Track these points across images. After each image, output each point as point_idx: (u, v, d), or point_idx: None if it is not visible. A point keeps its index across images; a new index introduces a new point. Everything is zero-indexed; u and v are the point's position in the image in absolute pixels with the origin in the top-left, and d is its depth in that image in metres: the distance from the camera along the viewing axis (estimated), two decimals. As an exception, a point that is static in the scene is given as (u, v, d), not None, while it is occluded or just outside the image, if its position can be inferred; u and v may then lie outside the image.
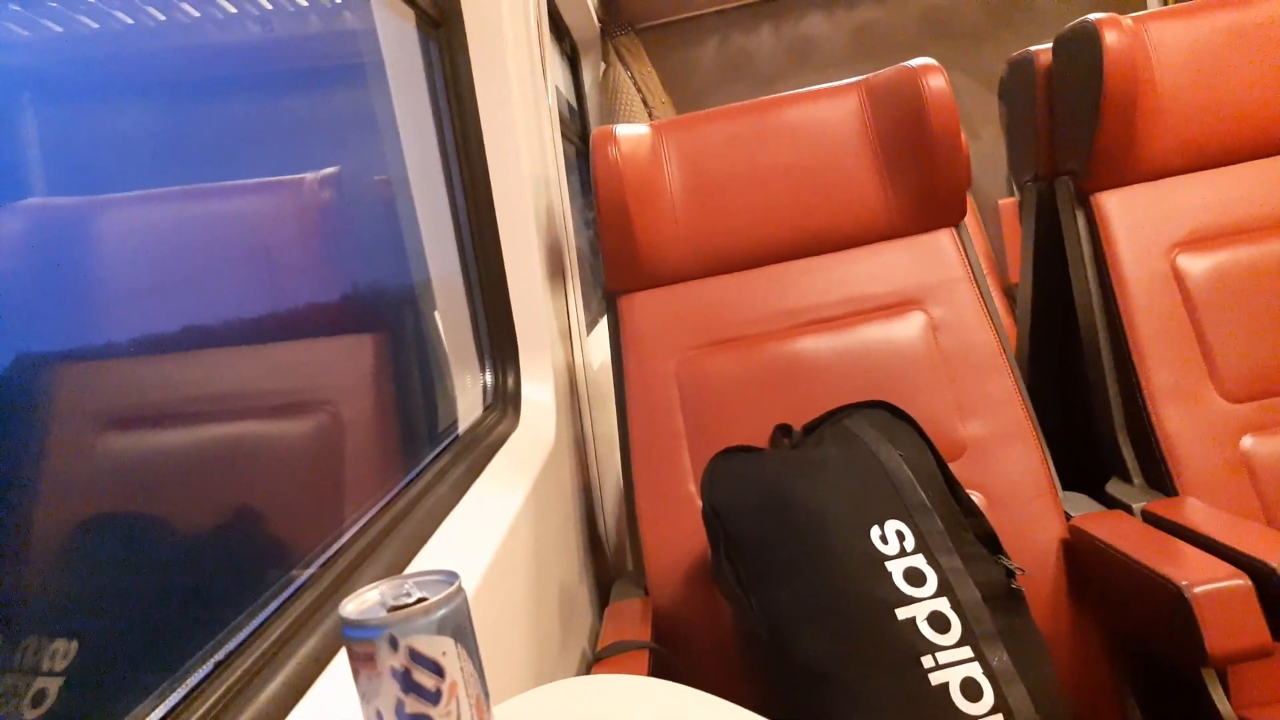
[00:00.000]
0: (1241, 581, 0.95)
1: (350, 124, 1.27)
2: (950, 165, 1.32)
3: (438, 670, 0.46)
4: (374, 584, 0.49)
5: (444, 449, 1.05)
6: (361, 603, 0.48)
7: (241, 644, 0.57)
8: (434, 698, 0.45)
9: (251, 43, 1.03)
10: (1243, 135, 1.38)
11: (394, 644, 0.45)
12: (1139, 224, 1.35)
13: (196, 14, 0.94)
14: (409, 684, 0.45)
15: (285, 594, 0.64)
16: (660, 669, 1.07)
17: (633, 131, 1.38)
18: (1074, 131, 1.40)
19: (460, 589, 0.47)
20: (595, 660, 1.04)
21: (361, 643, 0.45)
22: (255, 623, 0.59)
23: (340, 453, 0.88)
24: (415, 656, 0.45)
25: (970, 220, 3.20)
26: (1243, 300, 1.30)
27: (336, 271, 1.16)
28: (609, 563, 1.58)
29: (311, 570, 0.69)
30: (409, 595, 0.48)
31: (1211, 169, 1.39)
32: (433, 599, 0.46)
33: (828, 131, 1.40)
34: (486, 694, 0.48)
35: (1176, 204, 1.36)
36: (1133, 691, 1.22)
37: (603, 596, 1.44)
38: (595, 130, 1.34)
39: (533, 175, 1.36)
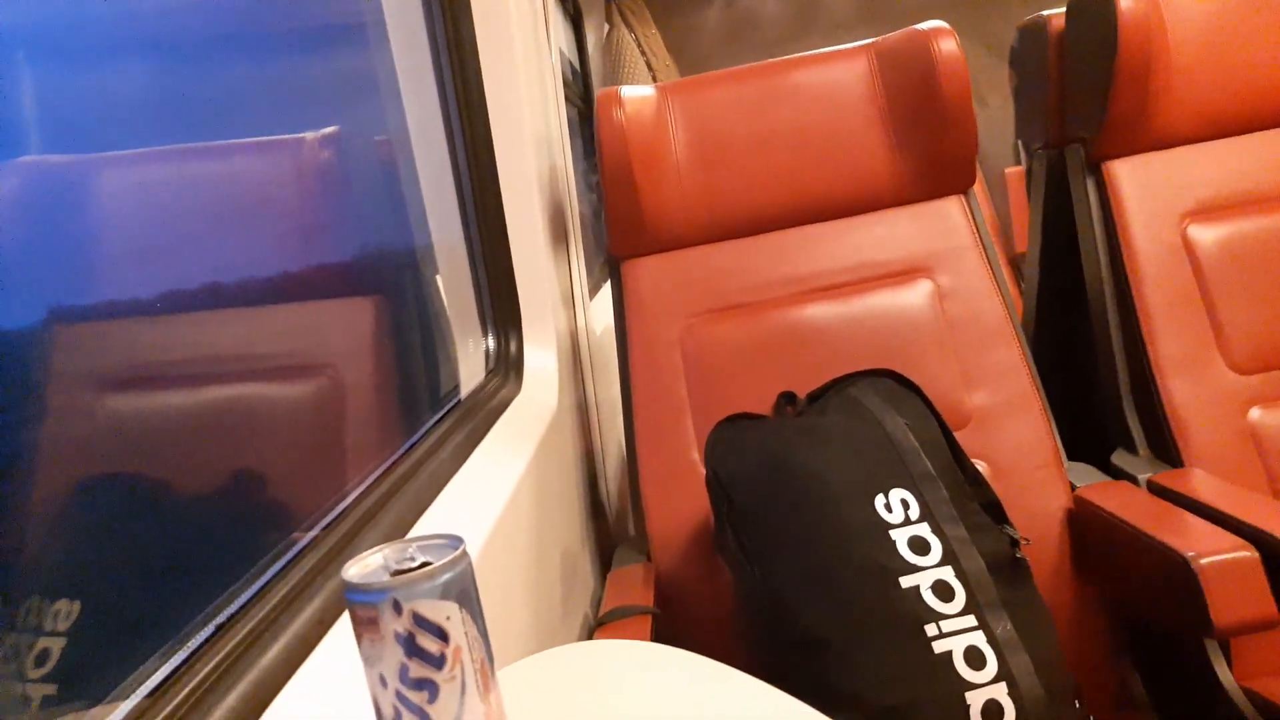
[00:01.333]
0: (1248, 553, 0.94)
1: (351, 83, 1.25)
2: (960, 131, 1.30)
3: (442, 635, 0.45)
4: (377, 548, 0.48)
5: (446, 414, 1.04)
6: (365, 566, 0.47)
7: (243, 607, 0.56)
8: (438, 662, 0.45)
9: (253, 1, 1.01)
10: (1258, 104, 1.36)
11: (398, 608, 0.44)
12: (1150, 193, 1.33)
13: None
14: (413, 648, 0.44)
15: (287, 557, 0.64)
16: (662, 634, 1.07)
17: (638, 93, 1.35)
18: (1086, 98, 1.38)
19: (465, 553, 0.47)
20: (597, 625, 1.04)
21: (365, 607, 0.45)
22: (257, 586, 0.58)
23: (342, 415, 0.87)
24: (419, 621, 0.44)
25: (977, 189, 3.17)
26: (1253, 271, 1.29)
27: (336, 233, 1.14)
28: (611, 529, 1.58)
29: (313, 534, 0.68)
30: (413, 559, 0.47)
31: (1225, 138, 1.36)
32: (437, 563, 0.45)
33: (836, 95, 1.38)
34: (491, 659, 0.47)
35: (1188, 173, 1.34)
36: (1134, 662, 1.23)
37: (605, 562, 1.44)
38: (600, 91, 1.32)
39: (535, 137, 1.34)
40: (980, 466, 1.22)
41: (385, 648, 0.45)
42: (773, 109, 1.37)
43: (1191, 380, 1.26)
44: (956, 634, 0.91)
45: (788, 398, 1.25)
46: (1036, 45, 1.54)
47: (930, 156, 1.34)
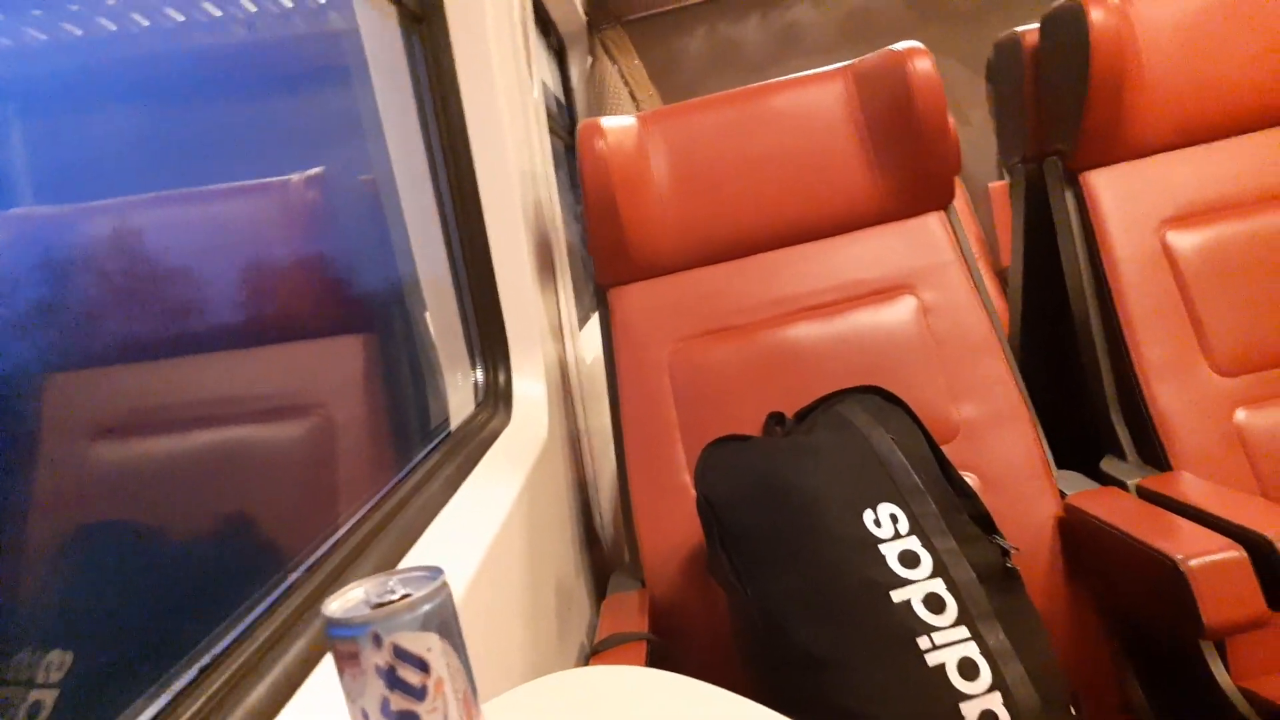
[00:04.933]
0: (1237, 553, 0.95)
1: (335, 124, 1.26)
2: (938, 148, 1.32)
3: (423, 666, 0.45)
4: (358, 582, 0.49)
5: (435, 447, 1.05)
6: (345, 601, 0.48)
7: (228, 648, 0.56)
8: (420, 694, 0.45)
9: (235, 47, 1.03)
10: (1230, 110, 1.38)
11: (378, 641, 0.45)
12: (1128, 201, 1.35)
13: (182, 18, 0.94)
14: (394, 681, 0.45)
15: (272, 597, 0.64)
16: (658, 659, 1.07)
17: (619, 123, 1.37)
18: (1061, 111, 1.40)
19: (445, 585, 0.47)
20: (593, 653, 1.04)
21: (345, 641, 0.45)
22: (241, 626, 0.59)
23: (328, 454, 0.88)
24: (400, 653, 0.45)
25: (961, 204, 3.19)
26: (1233, 275, 1.30)
27: (323, 273, 1.15)
28: (607, 556, 1.58)
29: (298, 573, 0.69)
30: (393, 592, 0.48)
31: (1200, 145, 1.38)
32: (416, 595, 0.46)
33: (815, 118, 1.40)
34: (474, 689, 0.48)
35: (1165, 181, 1.36)
36: (1131, 666, 1.22)
37: (600, 590, 1.44)
38: (581, 123, 1.34)
39: (519, 170, 1.36)
40: (970, 478, 1.23)
41: (367, 681, 0.45)
42: (753, 133, 1.39)
43: (1176, 384, 1.27)
44: (949, 645, 0.91)
45: (777, 418, 1.26)
46: (1012, 61, 1.56)
47: (910, 174, 1.35)
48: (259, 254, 1.04)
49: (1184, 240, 1.32)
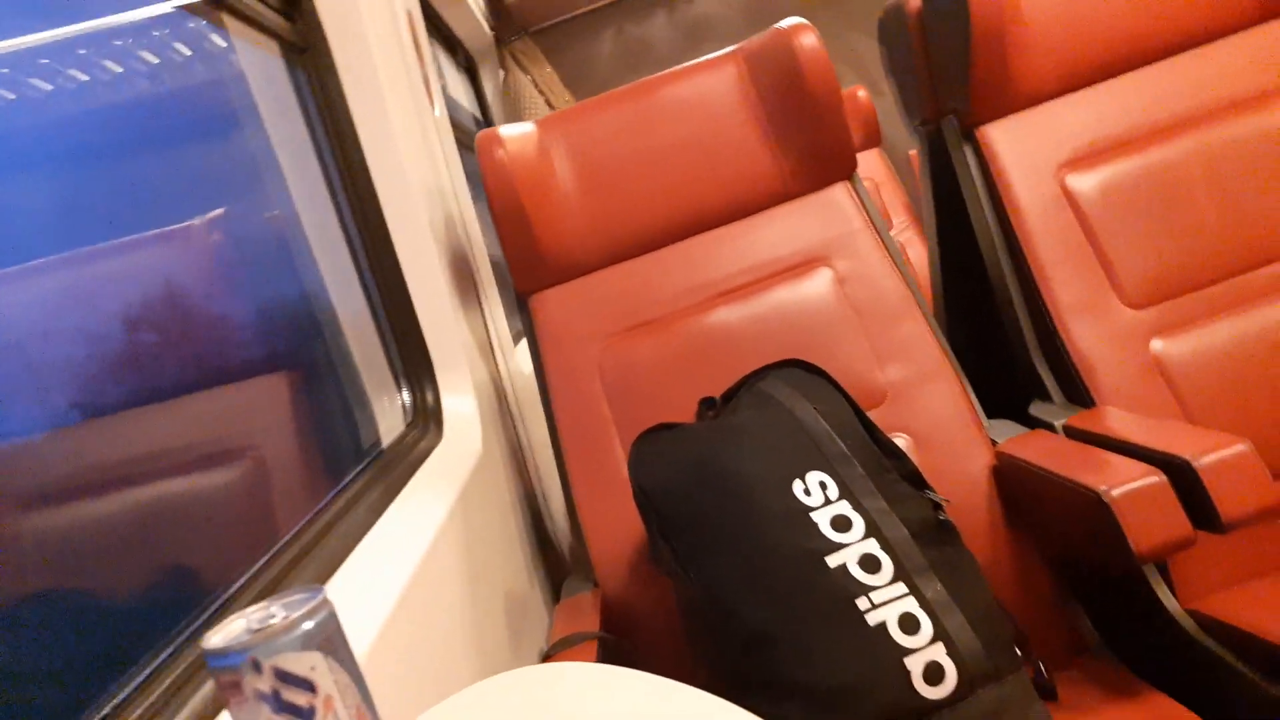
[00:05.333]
0: (1157, 478, 0.97)
1: (230, 166, 1.25)
2: (832, 120, 1.33)
3: (309, 686, 0.45)
4: (238, 613, 0.48)
5: (360, 472, 1.04)
6: (227, 633, 0.47)
7: (131, 695, 0.56)
8: (308, 715, 0.45)
9: (121, 102, 1.02)
10: (1113, 51, 1.41)
11: (258, 666, 0.44)
12: (1025, 151, 1.37)
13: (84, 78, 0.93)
14: (280, 705, 0.45)
15: (183, 637, 0.63)
16: (611, 657, 1.07)
17: (518, 131, 1.37)
18: (950, 70, 1.42)
19: (325, 602, 0.47)
20: (545, 657, 1.04)
21: (225, 671, 0.45)
22: (147, 672, 0.58)
23: (244, 494, 0.87)
24: (282, 676, 0.45)
25: (885, 174, 3.23)
26: (1133, 209, 1.33)
27: (232, 314, 1.14)
28: (564, 562, 1.58)
29: (210, 612, 0.68)
30: (274, 617, 0.47)
31: (1088, 87, 1.41)
32: (294, 615, 0.45)
33: (711, 103, 1.41)
34: (369, 702, 0.48)
35: (1058, 126, 1.39)
36: (1080, 603, 1.24)
37: (557, 596, 1.44)
38: (479, 135, 1.34)
39: (424, 189, 1.36)
40: (902, 439, 1.24)
41: (252, 709, 0.45)
42: (652, 125, 1.40)
43: (1091, 323, 1.29)
44: (888, 603, 0.92)
45: (708, 403, 1.27)
46: (899, 25, 1.58)
47: (810, 148, 1.37)
48: (165, 305, 1.03)
49: (1082, 182, 1.35)
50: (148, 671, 0.58)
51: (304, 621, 0.45)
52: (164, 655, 0.60)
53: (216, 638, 0.47)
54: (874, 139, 3.27)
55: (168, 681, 0.57)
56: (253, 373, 1.06)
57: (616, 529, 1.26)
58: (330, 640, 0.46)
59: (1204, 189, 1.33)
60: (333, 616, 0.47)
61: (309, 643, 0.45)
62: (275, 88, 1.28)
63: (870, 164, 3.28)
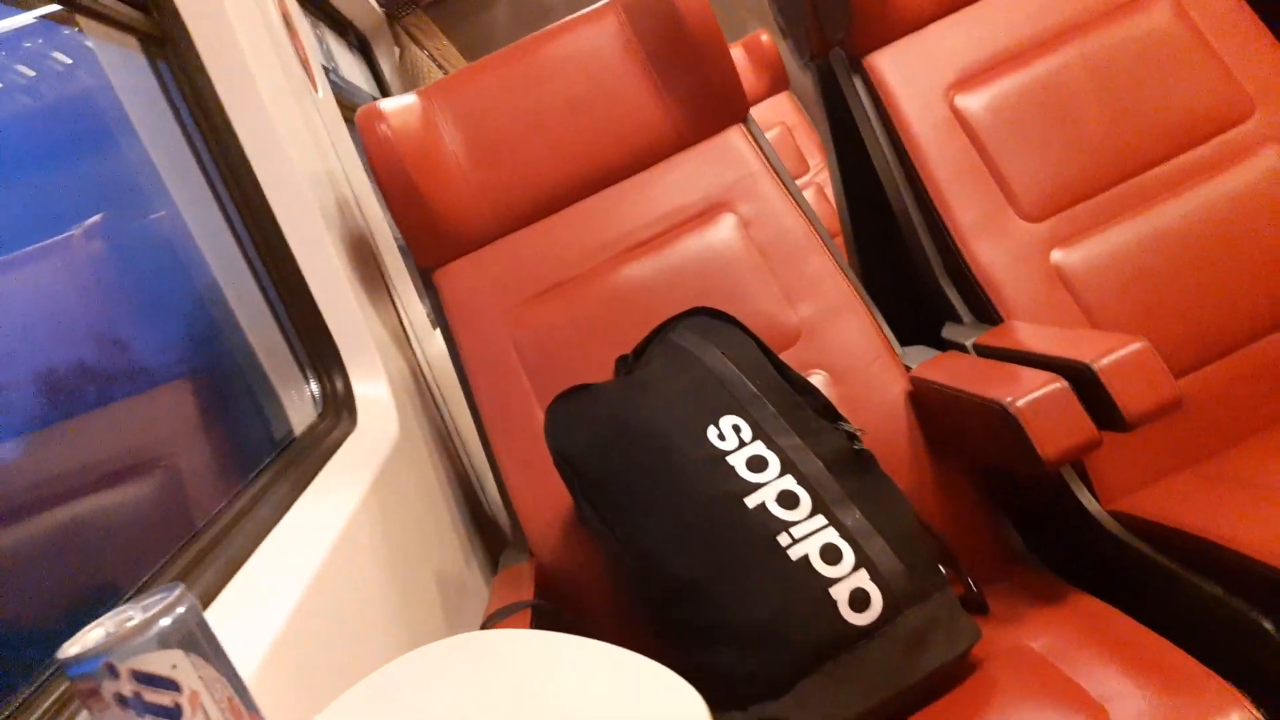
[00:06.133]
0: (1058, 384, 0.98)
1: (103, 171, 1.20)
2: (717, 63, 1.32)
3: (172, 685, 0.44)
4: (97, 621, 0.47)
5: (264, 468, 1.02)
6: (84, 641, 0.45)
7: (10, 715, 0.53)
8: (175, 714, 0.43)
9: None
10: None
11: (114, 671, 0.43)
12: (912, 75, 1.38)
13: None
14: (144, 707, 0.43)
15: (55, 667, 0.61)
16: (547, 624, 1.06)
17: (400, 103, 1.34)
18: (831, 1, 1.41)
19: (181, 596, 0.45)
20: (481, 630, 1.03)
21: (82, 679, 0.43)
22: (18, 701, 0.56)
23: (140, 510, 0.84)
24: (141, 677, 0.43)
25: (796, 117, 3.23)
26: (1023, 124, 1.34)
27: (119, 325, 1.10)
28: (505, 538, 1.57)
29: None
30: (132, 619, 0.46)
31: (969, 5, 1.41)
32: (148, 615, 0.44)
33: (595, 58, 1.38)
34: (244, 693, 0.46)
35: (943, 47, 1.39)
36: (1008, 517, 1.27)
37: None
38: (359, 111, 1.30)
39: (311, 175, 1.32)
40: (818, 376, 1.25)
41: (115, 716, 0.43)
42: (538, 86, 1.38)
43: (991, 240, 1.30)
44: (809, 536, 0.93)
45: (624, 361, 1.26)
46: (779, -37, 1.57)
47: (699, 94, 1.36)
48: (45, 326, 0.99)
49: (971, 101, 1.35)
50: (17, 703, 0.56)
51: (160, 619, 0.44)
52: (41, 681, 0.58)
53: (73, 646, 0.45)
54: (782, 83, 3.26)
55: (41, 709, 0.54)
56: (144, 383, 1.02)
57: (546, 497, 1.25)
58: (191, 636, 0.45)
59: (1091, 97, 1.34)
60: (193, 611, 0.45)
61: (167, 640, 0.43)
62: (140, 84, 1.23)
63: (781, 108, 3.27)
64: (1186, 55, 1.34)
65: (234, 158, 1.22)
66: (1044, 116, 1.34)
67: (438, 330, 1.81)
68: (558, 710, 0.51)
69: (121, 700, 0.43)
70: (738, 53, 3.17)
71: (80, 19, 1.16)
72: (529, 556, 1.25)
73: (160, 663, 0.43)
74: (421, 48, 2.82)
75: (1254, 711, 0.75)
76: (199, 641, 0.45)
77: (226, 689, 0.45)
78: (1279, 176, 1.28)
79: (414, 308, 1.57)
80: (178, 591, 0.45)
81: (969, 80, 1.36)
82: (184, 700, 0.44)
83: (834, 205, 2.75)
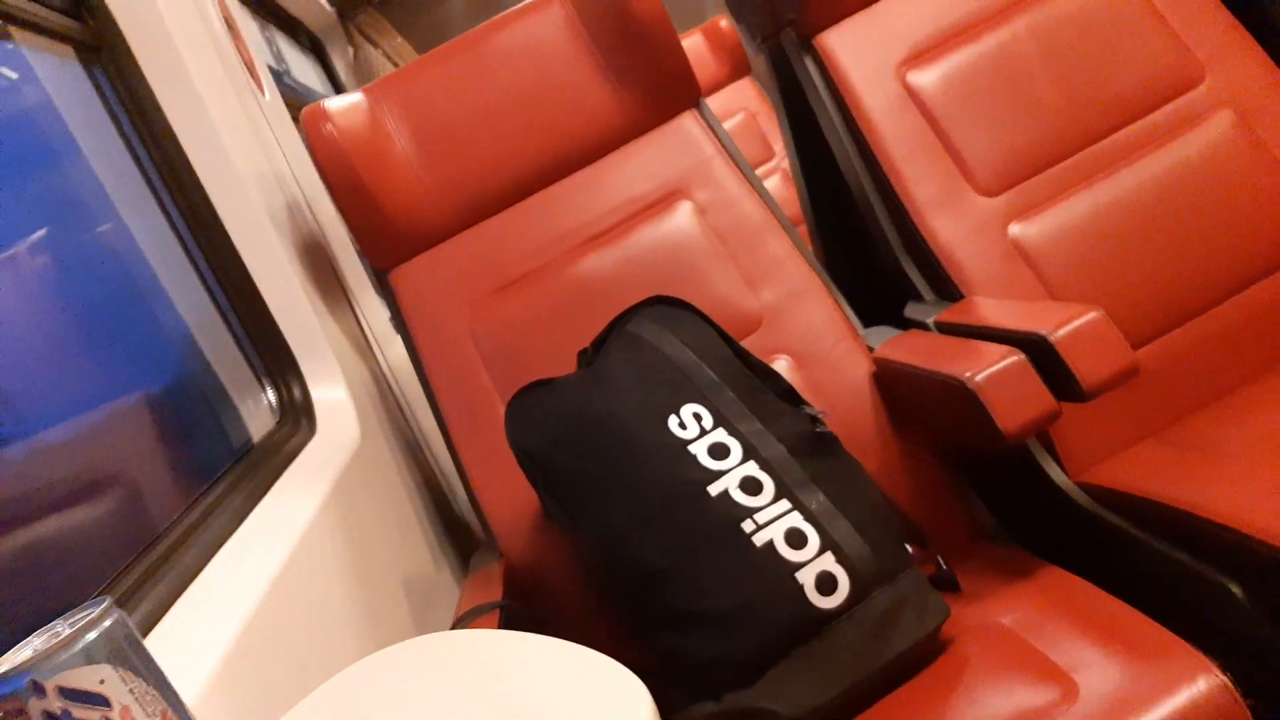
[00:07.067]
0: (1015, 358, 0.98)
1: (43, 185, 1.17)
2: (666, 48, 1.31)
3: (101, 700, 0.42)
4: (25, 641, 0.45)
5: (219, 478, 1.00)
6: (9, 659, 0.44)
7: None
8: (105, 730, 0.42)
9: None
10: None
11: (39, 688, 0.41)
12: (863, 53, 1.37)
13: None
14: (72, 725, 0.41)
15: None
16: (517, 624, 1.05)
17: (345, 102, 1.32)
18: (780, -19, 1.40)
19: (108, 610, 0.44)
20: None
21: (7, 699, 0.41)
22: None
23: (92, 529, 0.82)
24: (68, 694, 0.41)
25: (759, 102, 3.22)
26: (975, 98, 1.34)
27: (71, 338, 1.08)
28: (478, 540, 1.55)
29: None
30: (59, 636, 0.44)
31: None
32: (72, 630, 0.42)
33: (542, 48, 1.37)
34: (178, 704, 0.45)
35: (893, 25, 1.38)
36: (976, 490, 1.27)
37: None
38: (303, 111, 1.27)
39: (258, 179, 1.29)
40: (782, 361, 1.24)
41: (42, 735, 0.41)
42: (486, 78, 1.36)
43: (949, 216, 1.30)
44: (773, 522, 0.92)
45: (584, 354, 1.25)
46: (730, -55, 1.56)
47: (649, 80, 1.34)
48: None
49: (923, 77, 1.35)
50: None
51: (85, 634, 0.42)
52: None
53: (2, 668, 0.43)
54: (743, 68, 3.24)
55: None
56: (91, 400, 1.00)
57: (512, 495, 1.23)
58: (120, 650, 0.43)
59: (1042, 69, 1.34)
60: (120, 624, 0.44)
61: (94, 655, 0.42)
62: (78, 94, 1.20)
63: (744, 94, 3.26)
64: (1135, 23, 1.34)
65: (177, 164, 1.19)
66: (996, 90, 1.34)
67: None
68: (500, 706, 0.50)
69: (50, 718, 0.41)
70: (697, 39, 3.15)
71: (12, 29, 1.13)
72: (500, 557, 1.23)
73: (88, 678, 0.42)
74: (376, 46, 2.78)
75: (1221, 676, 0.75)
76: (128, 655, 0.43)
77: (159, 702, 0.44)
78: (1230, 142, 1.29)
79: (374, 311, 1.55)
80: (104, 605, 0.44)
81: (920, 56, 1.36)
82: (114, 715, 0.42)
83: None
